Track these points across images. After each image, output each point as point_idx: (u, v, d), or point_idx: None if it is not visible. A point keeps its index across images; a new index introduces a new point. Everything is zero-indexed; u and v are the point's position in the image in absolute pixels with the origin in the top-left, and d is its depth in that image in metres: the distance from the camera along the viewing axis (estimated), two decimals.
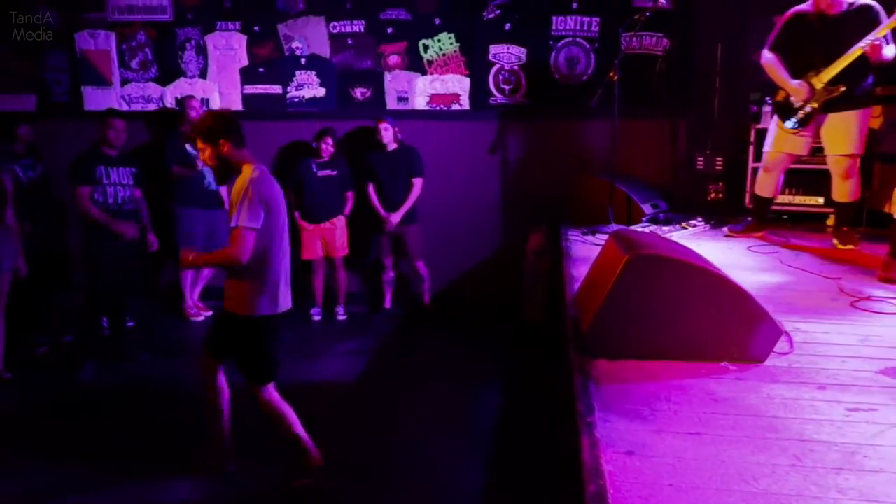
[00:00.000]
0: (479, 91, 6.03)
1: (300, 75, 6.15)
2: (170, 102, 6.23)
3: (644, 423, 2.06)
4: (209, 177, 5.55)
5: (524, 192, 6.05)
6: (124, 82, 6.26)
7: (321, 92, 6.16)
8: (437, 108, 6.10)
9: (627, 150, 5.56)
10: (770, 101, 4.71)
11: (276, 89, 6.17)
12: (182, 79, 6.23)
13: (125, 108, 6.17)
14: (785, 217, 5.19)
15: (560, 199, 5.58)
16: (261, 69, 6.17)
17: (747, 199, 5.25)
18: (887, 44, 3.95)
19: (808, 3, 4.22)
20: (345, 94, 6.15)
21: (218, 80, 6.20)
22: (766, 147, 4.54)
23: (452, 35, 5.98)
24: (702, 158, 5.52)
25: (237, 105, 6.19)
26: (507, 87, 6.01)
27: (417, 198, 5.79)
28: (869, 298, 3.25)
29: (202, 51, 6.17)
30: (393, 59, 6.07)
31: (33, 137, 5.20)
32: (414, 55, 6.03)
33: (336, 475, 3.32)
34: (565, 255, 4.24)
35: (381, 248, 5.94)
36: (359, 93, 6.14)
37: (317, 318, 5.96)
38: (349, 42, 6.07)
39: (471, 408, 4.31)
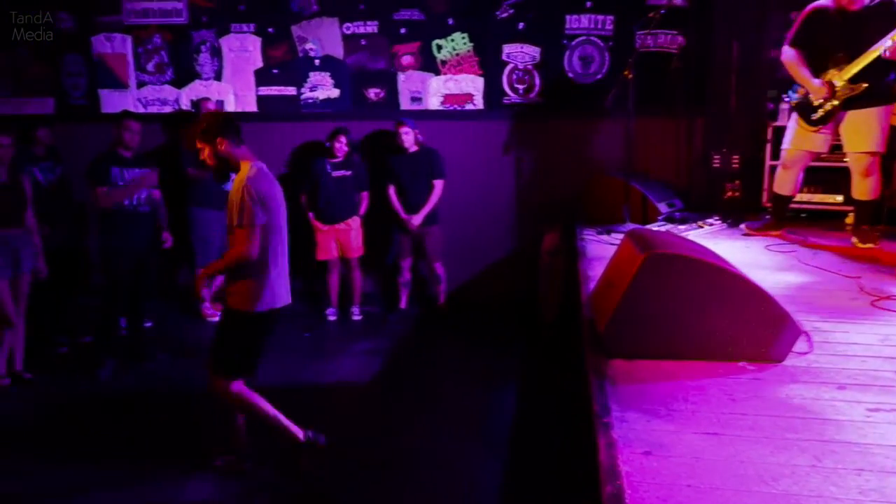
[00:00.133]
0: (492, 91, 6.02)
1: (314, 76, 6.17)
2: (185, 105, 6.28)
3: (661, 423, 2.05)
4: None
5: (539, 191, 6.04)
6: (140, 85, 6.31)
7: (335, 93, 6.18)
8: (451, 108, 6.10)
9: (643, 148, 5.53)
10: (787, 99, 4.66)
11: (291, 91, 6.20)
12: (197, 81, 6.27)
13: (141, 110, 6.23)
14: (803, 215, 5.12)
15: (575, 199, 5.56)
16: (275, 71, 6.20)
17: (765, 198, 5.20)
18: None
19: None
20: (359, 94, 6.16)
21: (233, 81, 6.24)
22: (785, 144, 4.49)
23: (466, 35, 5.97)
24: (718, 157, 5.48)
25: (252, 106, 6.23)
26: (520, 87, 6.00)
27: (438, 199, 5.80)
28: (889, 297, 3.20)
29: (217, 53, 6.22)
30: (406, 60, 6.07)
31: (52, 140, 5.25)
32: (427, 55, 6.03)
33: (351, 475, 3.32)
34: (580, 255, 4.22)
35: (402, 250, 5.94)
36: (372, 93, 6.15)
37: (332, 318, 5.97)
38: (363, 43, 6.08)
39: (486, 408, 4.31)
